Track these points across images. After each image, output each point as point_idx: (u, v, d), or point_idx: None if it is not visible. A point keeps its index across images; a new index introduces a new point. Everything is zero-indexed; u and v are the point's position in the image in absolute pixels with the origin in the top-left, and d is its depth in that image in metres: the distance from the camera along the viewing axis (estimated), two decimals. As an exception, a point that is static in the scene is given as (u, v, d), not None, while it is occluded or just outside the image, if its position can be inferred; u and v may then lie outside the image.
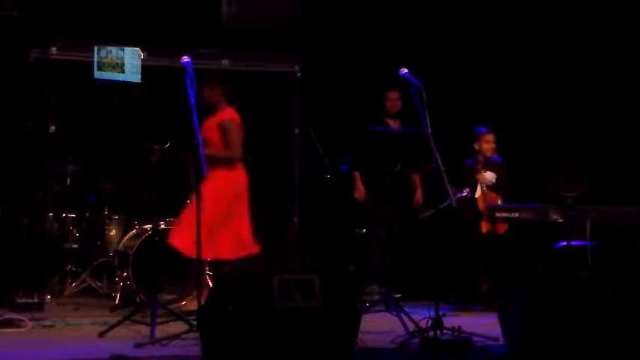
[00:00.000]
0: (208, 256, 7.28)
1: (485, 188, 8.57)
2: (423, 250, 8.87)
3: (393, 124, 8.86)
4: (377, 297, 8.23)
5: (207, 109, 7.32)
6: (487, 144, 8.70)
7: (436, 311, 6.48)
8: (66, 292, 8.39)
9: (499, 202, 8.59)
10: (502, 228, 8.53)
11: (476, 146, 8.71)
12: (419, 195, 9.02)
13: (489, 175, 8.59)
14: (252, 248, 7.41)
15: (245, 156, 8.38)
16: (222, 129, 7.26)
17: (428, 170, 8.55)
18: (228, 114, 7.34)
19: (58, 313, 7.60)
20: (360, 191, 8.86)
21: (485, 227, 8.52)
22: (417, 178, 9.02)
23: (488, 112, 9.17)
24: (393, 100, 8.89)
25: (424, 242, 8.89)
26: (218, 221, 7.13)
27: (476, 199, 8.56)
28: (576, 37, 9.38)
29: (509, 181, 8.83)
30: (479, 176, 8.57)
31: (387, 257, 8.36)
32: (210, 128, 7.27)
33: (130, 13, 8.76)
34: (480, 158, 8.69)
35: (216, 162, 7.15)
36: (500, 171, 8.72)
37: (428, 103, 6.69)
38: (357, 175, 8.89)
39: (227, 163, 7.27)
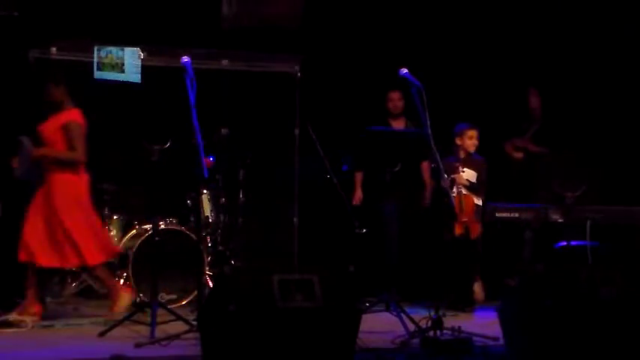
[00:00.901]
0: (75, 263, 7.28)
1: (462, 189, 8.38)
2: (419, 251, 8.83)
3: (396, 124, 8.79)
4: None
5: (50, 108, 7.28)
6: (470, 140, 8.50)
7: (436, 311, 6.48)
8: (66, 293, 8.38)
9: (479, 202, 8.41)
10: (475, 231, 8.36)
11: (458, 141, 8.51)
12: (427, 195, 8.91)
13: (467, 175, 8.39)
14: (113, 249, 7.48)
15: (246, 156, 8.39)
16: (66, 130, 7.18)
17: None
18: (73, 115, 7.25)
19: (57, 313, 7.60)
20: (357, 196, 8.79)
21: (458, 229, 8.29)
22: (427, 177, 8.88)
23: (489, 112, 9.18)
24: (395, 100, 8.80)
25: (420, 242, 8.84)
26: (78, 226, 7.14)
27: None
28: (578, 35, 9.38)
29: (511, 181, 8.80)
30: (456, 176, 8.33)
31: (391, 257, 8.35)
32: (52, 128, 7.21)
33: (129, 13, 8.76)
34: (461, 155, 8.51)
35: (59, 164, 7.14)
36: (482, 169, 8.52)
37: (429, 103, 6.70)
38: (358, 176, 8.85)
39: (70, 165, 7.19)
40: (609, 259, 7.62)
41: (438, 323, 6.39)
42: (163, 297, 7.58)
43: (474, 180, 8.45)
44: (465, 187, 8.40)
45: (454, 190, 8.34)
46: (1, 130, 8.43)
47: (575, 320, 5.36)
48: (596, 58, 9.35)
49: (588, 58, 9.37)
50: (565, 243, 7.60)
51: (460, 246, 8.32)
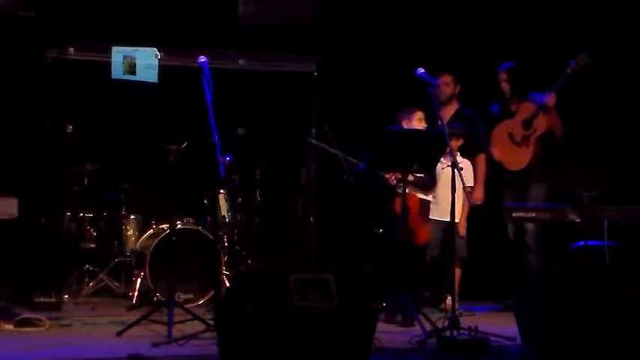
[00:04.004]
0: None
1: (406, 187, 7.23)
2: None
3: (446, 112, 8.10)
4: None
5: None
6: (419, 122, 7.73)
7: (453, 311, 6.48)
8: (83, 292, 8.42)
9: (428, 198, 7.65)
10: (423, 237, 7.56)
11: (405, 125, 7.73)
12: (479, 191, 8.59)
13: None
14: None
15: (262, 155, 8.36)
16: None
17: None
18: None
19: (75, 312, 7.64)
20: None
21: (400, 236, 7.30)
22: (481, 171, 8.34)
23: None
24: (444, 84, 8.20)
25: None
26: None
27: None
28: (595, 32, 9.31)
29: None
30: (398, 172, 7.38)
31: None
32: None
33: (146, 13, 8.78)
34: None
35: None
36: None
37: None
38: None
39: None
40: (628, 258, 7.58)
41: (454, 323, 6.38)
42: (180, 296, 7.60)
43: (420, 176, 7.49)
44: (410, 183, 7.43)
45: (398, 189, 7.50)
46: (19, 129, 8.50)
47: (593, 321, 5.35)
48: (615, 55, 9.28)
49: (607, 54, 9.29)
50: (582, 243, 7.55)
51: (405, 255, 7.46)
